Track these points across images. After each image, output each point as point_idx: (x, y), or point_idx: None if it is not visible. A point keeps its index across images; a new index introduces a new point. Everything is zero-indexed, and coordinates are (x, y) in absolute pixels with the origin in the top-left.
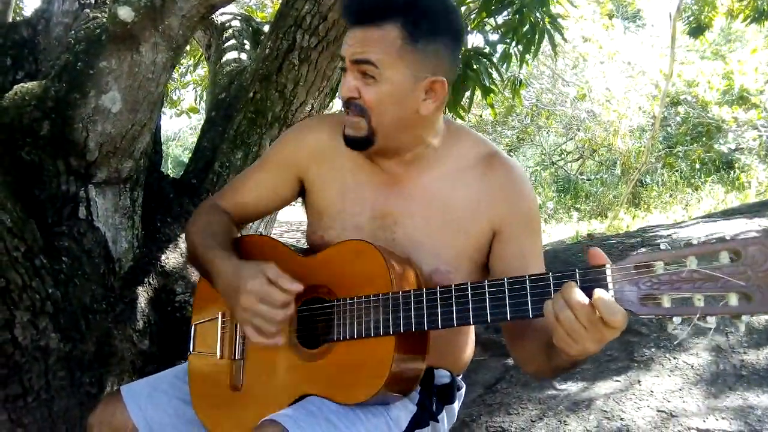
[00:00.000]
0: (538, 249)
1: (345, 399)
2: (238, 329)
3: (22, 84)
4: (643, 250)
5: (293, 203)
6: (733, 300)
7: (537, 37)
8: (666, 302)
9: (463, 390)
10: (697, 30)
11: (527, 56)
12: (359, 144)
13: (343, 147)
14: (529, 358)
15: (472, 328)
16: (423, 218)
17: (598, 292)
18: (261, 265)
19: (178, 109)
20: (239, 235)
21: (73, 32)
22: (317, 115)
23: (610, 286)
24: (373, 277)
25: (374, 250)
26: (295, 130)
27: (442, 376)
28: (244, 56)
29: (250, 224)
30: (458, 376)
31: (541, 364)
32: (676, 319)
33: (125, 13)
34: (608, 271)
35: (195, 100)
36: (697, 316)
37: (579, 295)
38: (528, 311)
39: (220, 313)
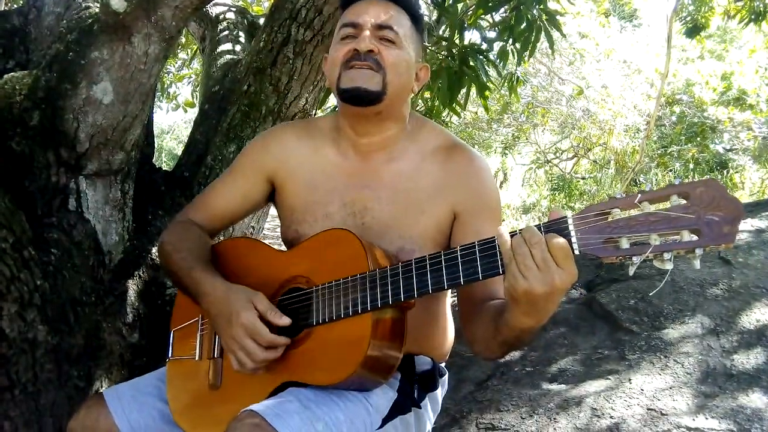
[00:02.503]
0: (493, 231)
1: (324, 380)
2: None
3: (12, 73)
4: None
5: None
6: (686, 236)
7: (534, 34)
8: (625, 244)
9: (446, 377)
10: (694, 30)
11: (524, 54)
12: (370, 98)
13: (311, 144)
14: (478, 335)
15: (448, 313)
16: (389, 202)
17: (554, 236)
18: (251, 295)
19: (174, 103)
20: (213, 242)
21: (64, 22)
22: (280, 124)
23: (573, 234)
24: (350, 261)
25: (351, 235)
26: (260, 137)
27: (423, 363)
28: (238, 48)
29: (242, 220)
30: (440, 363)
31: (488, 338)
32: (636, 259)
33: (117, 3)
34: (570, 221)
35: (191, 94)
36: (650, 251)
37: (538, 236)
38: (498, 267)
39: (199, 315)
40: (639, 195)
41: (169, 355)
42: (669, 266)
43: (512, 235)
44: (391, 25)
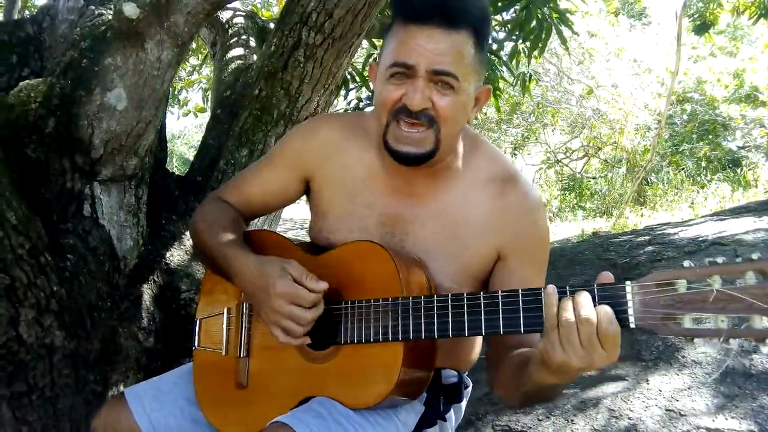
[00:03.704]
0: (540, 281)
1: (352, 403)
2: (244, 326)
3: (27, 81)
4: (668, 269)
5: (297, 201)
6: (757, 322)
7: (544, 33)
8: (688, 322)
9: (470, 388)
10: (703, 27)
11: (535, 52)
12: (420, 160)
13: (356, 147)
14: (500, 380)
15: None
16: (433, 230)
17: (607, 317)
18: (284, 263)
19: (185, 109)
20: (246, 229)
21: (78, 29)
22: (326, 114)
23: (630, 303)
24: (382, 280)
25: (385, 252)
26: (304, 128)
27: (450, 376)
28: (249, 53)
29: (255, 221)
30: (465, 373)
31: (511, 386)
32: (698, 341)
33: (131, 9)
34: (628, 288)
35: (202, 99)
36: (722, 338)
37: (589, 312)
38: (542, 323)
39: (225, 309)
40: (710, 267)
41: (196, 345)
42: (733, 348)
43: (561, 294)
44: (451, 71)
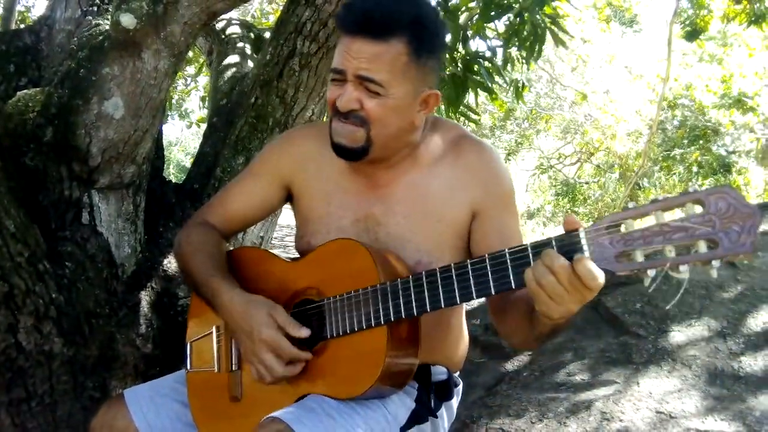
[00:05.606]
0: (515, 225)
1: (343, 393)
2: (233, 342)
3: (25, 90)
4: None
5: (287, 208)
6: (702, 247)
7: (540, 36)
8: (639, 256)
9: (461, 387)
10: (693, 34)
11: (531, 59)
12: (353, 154)
13: (328, 154)
14: (513, 330)
15: (463, 323)
16: (404, 215)
17: (579, 256)
18: (270, 309)
19: (188, 121)
20: (230, 248)
21: (75, 39)
22: (302, 125)
23: (585, 247)
24: (360, 272)
25: (359, 246)
26: (281, 140)
27: (439, 373)
28: (245, 62)
29: (252, 228)
30: (455, 372)
31: (525, 333)
32: (651, 272)
33: (127, 20)
34: (582, 234)
35: (199, 106)
36: (668, 265)
37: (560, 260)
38: (510, 283)
39: (214, 327)
40: (652, 204)
41: (188, 368)
42: (685, 276)
43: (522, 251)
44: (373, 77)
